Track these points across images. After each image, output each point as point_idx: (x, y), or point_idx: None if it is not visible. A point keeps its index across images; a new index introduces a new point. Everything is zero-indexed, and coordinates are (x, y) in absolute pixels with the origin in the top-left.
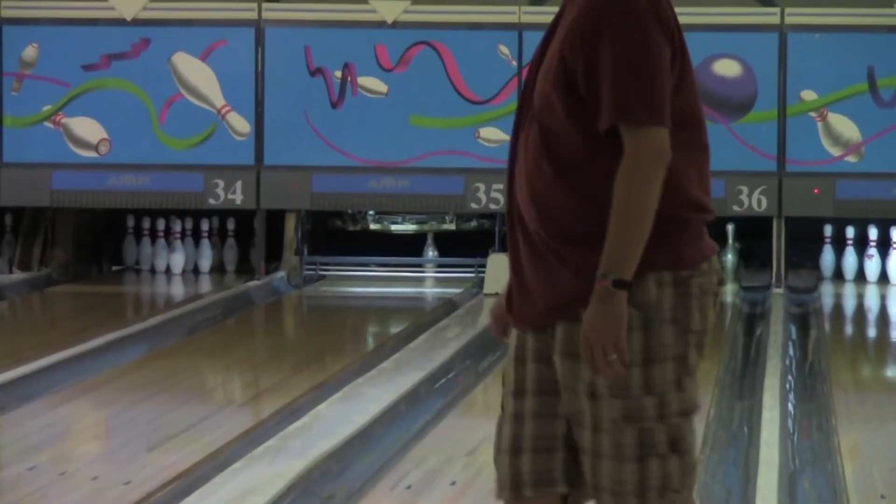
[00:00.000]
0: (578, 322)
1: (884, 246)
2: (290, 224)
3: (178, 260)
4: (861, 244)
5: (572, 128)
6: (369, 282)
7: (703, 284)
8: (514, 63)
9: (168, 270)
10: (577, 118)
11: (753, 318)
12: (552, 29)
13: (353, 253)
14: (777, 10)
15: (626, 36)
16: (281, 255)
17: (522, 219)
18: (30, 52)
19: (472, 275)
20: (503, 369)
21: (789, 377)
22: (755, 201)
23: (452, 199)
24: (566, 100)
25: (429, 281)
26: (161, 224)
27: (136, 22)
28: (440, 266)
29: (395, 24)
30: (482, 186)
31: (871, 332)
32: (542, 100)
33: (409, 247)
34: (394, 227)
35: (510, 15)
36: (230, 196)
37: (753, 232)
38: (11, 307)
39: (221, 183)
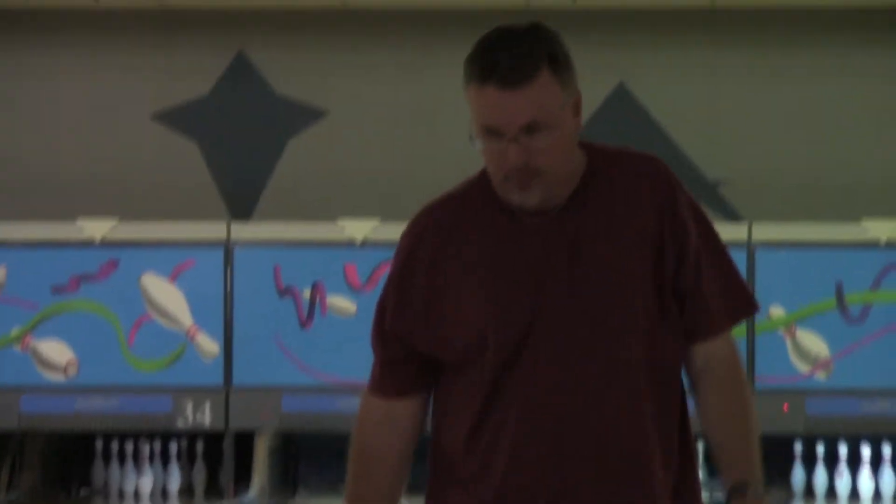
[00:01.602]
0: None
1: (854, 463)
2: (261, 445)
3: (146, 483)
4: (831, 461)
5: (672, 343)
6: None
7: None
8: None
9: (137, 494)
10: (674, 330)
11: None
12: (540, 236)
13: (326, 467)
14: (745, 226)
15: (705, 217)
16: (250, 477)
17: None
18: None
19: None
20: None
21: None
22: None
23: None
24: (664, 309)
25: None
26: (129, 446)
27: (105, 243)
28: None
29: (365, 244)
30: None
31: None
32: (631, 317)
33: None
34: None
35: None
36: (199, 418)
37: None
38: None
39: (190, 404)
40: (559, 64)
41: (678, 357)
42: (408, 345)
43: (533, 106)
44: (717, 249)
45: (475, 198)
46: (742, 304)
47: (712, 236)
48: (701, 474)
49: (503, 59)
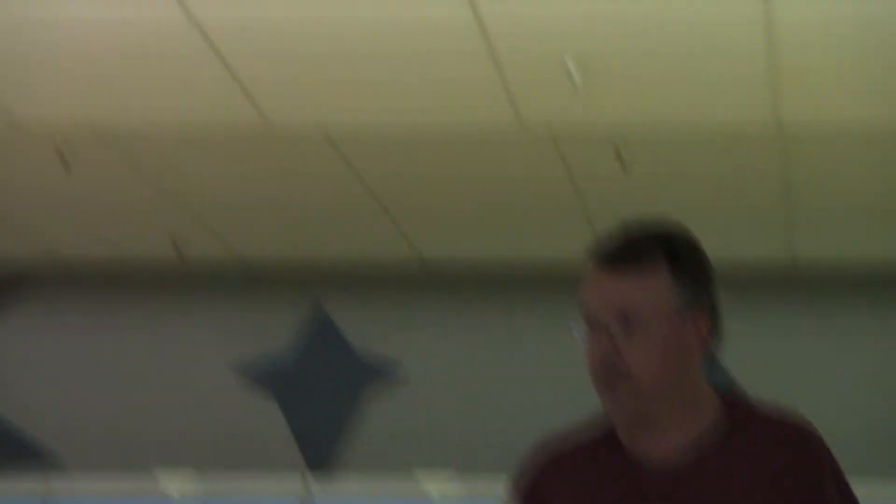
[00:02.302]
0: None
1: None
2: None
3: None
4: None
5: None
6: None
7: None
8: None
9: None
10: None
11: None
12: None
13: None
14: None
15: None
16: None
17: None
18: None
19: None
20: None
21: None
22: None
23: None
24: None
25: None
26: None
27: (183, 498)
28: None
29: (442, 498)
30: None
31: None
32: None
33: None
34: None
35: None
36: None
37: None
38: None
39: None
40: (679, 264)
41: None
42: None
43: (630, 294)
44: None
45: (597, 440)
46: None
47: None
48: None
49: (618, 241)
